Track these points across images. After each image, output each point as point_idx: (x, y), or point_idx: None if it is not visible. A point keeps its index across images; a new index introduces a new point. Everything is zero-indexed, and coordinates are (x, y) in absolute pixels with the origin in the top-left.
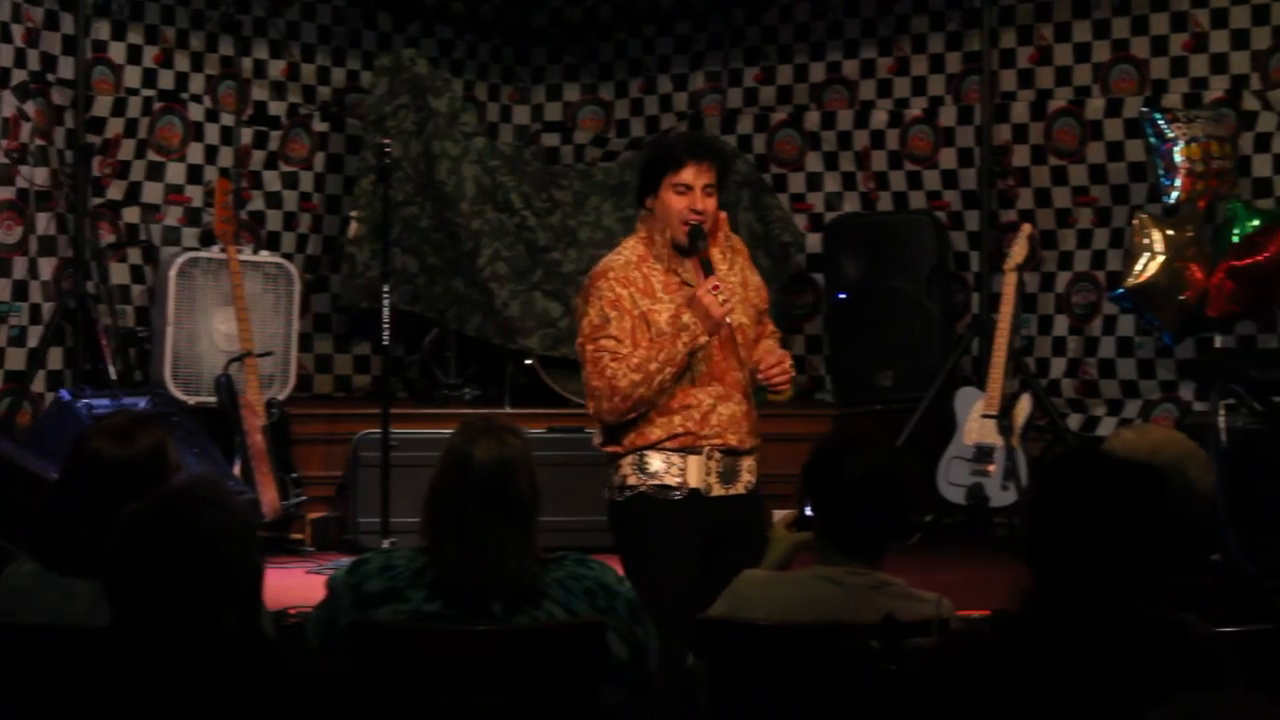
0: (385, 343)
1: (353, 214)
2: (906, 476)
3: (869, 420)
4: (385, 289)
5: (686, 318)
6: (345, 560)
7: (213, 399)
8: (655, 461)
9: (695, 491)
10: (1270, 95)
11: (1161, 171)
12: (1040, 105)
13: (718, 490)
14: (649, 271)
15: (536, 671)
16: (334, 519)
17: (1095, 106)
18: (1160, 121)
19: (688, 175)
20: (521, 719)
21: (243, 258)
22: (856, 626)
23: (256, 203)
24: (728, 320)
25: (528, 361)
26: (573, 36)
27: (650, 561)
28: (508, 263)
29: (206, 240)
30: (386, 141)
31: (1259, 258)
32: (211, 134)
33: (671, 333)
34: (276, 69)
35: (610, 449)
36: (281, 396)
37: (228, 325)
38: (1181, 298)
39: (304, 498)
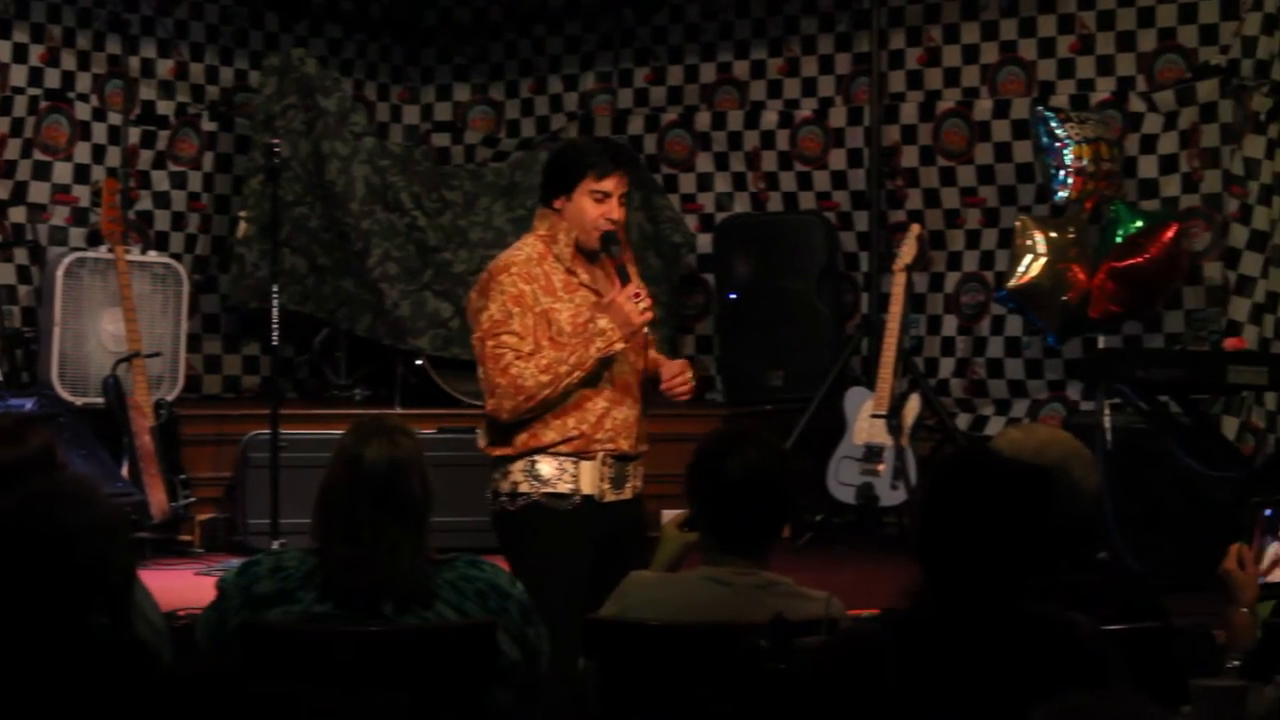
0: (274, 343)
1: (242, 214)
2: (789, 475)
3: (759, 420)
4: (274, 289)
5: (603, 323)
6: (234, 561)
7: (100, 400)
8: (547, 467)
9: (589, 498)
10: (1156, 97)
11: (1053, 170)
12: (929, 106)
13: (610, 496)
14: (550, 269)
15: (427, 672)
16: (223, 520)
17: (983, 108)
18: (1053, 122)
19: (610, 184)
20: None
21: (130, 258)
22: (745, 626)
23: (144, 203)
24: (645, 330)
25: (418, 362)
26: (463, 36)
27: (545, 571)
28: (398, 263)
29: (94, 240)
30: (275, 141)
31: (1139, 259)
32: (99, 133)
33: (584, 337)
34: (164, 68)
35: (500, 451)
36: (170, 397)
37: (115, 326)
38: (1064, 298)
39: (193, 499)
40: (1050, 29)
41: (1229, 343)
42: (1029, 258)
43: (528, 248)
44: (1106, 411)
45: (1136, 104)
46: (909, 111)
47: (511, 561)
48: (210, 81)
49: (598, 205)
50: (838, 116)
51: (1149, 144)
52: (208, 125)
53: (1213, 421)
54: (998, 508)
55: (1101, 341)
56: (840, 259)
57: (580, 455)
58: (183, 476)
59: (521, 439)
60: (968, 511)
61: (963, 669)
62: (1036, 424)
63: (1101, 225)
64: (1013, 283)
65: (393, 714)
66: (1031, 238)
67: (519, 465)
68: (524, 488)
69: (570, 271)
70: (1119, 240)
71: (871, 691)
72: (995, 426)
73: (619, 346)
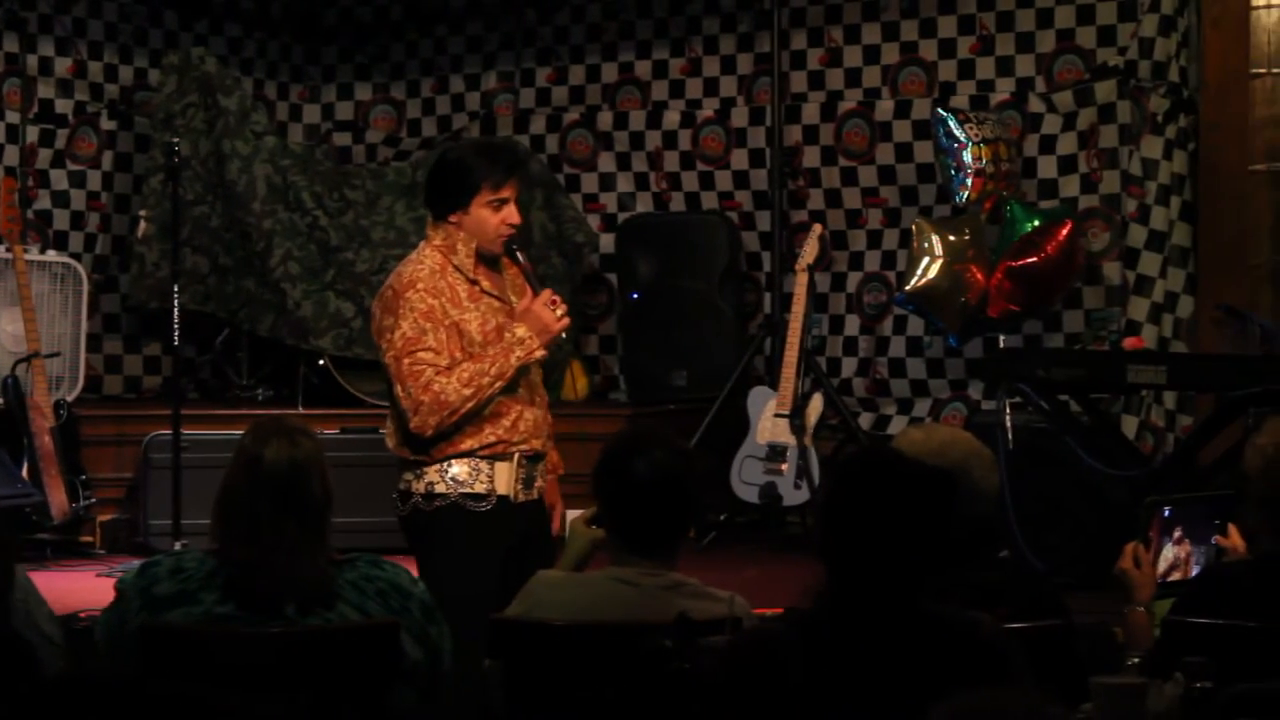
0: (176, 343)
1: (142, 213)
2: (695, 475)
3: (662, 420)
4: (175, 289)
5: (521, 331)
6: (136, 563)
7: None
8: (462, 469)
9: (503, 499)
10: (1055, 98)
11: (953, 171)
12: (831, 106)
13: (521, 497)
14: (452, 280)
15: (328, 673)
16: (124, 521)
17: (885, 108)
18: (952, 122)
19: (507, 191)
20: None
21: (29, 257)
22: (651, 626)
23: (43, 202)
24: (563, 335)
25: (320, 362)
26: (363, 36)
27: (462, 572)
28: (300, 262)
29: None
30: (175, 140)
31: (1035, 258)
32: None
33: (503, 346)
34: (62, 66)
35: (415, 455)
36: (70, 398)
37: (14, 326)
38: (963, 299)
39: (93, 500)
40: (951, 30)
41: (1128, 342)
42: (926, 260)
43: (428, 260)
44: (1007, 411)
45: (1036, 104)
46: (811, 112)
47: (424, 563)
48: (109, 80)
49: (496, 213)
50: (740, 116)
51: (1048, 144)
52: (107, 124)
53: (1113, 421)
54: (899, 507)
55: (1002, 341)
56: (742, 259)
57: (496, 457)
58: (83, 477)
59: (439, 446)
60: (869, 511)
61: (865, 668)
62: (937, 424)
63: (1001, 225)
64: (911, 286)
65: (293, 715)
66: (929, 240)
67: (434, 467)
68: (440, 489)
69: (472, 281)
70: (1015, 240)
71: (774, 691)
72: (898, 426)
73: (539, 355)
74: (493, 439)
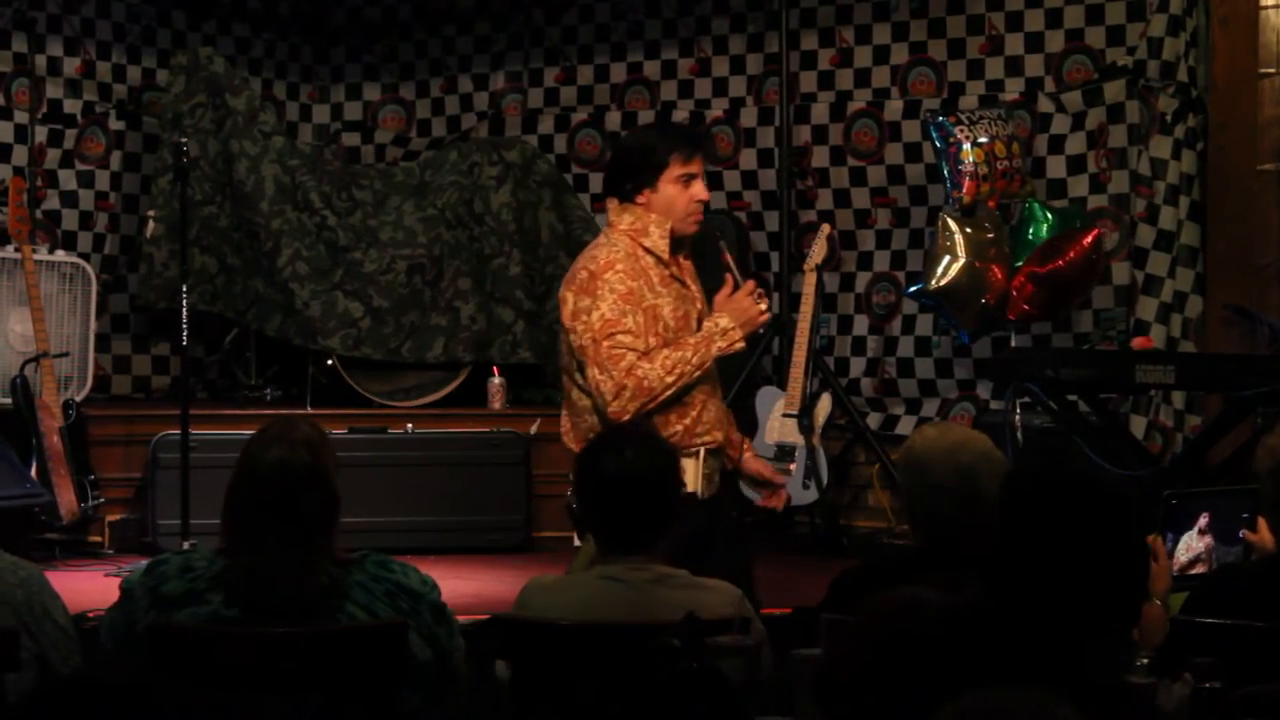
0: (184, 343)
1: (150, 213)
2: (671, 472)
3: None
4: (184, 289)
5: (724, 321)
6: (144, 562)
7: (8, 400)
8: None
9: (690, 496)
10: (1063, 98)
11: (946, 175)
12: (840, 107)
13: (705, 493)
14: (646, 264)
15: (336, 674)
16: (133, 521)
17: (894, 108)
18: (946, 126)
19: (695, 165)
20: None
21: (38, 257)
22: (648, 622)
23: (52, 202)
24: (761, 329)
25: (329, 362)
26: (372, 35)
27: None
28: (308, 262)
29: (0, 239)
30: (184, 140)
31: (1059, 263)
32: (4, 132)
33: (704, 334)
34: (71, 66)
35: None
36: (79, 398)
37: (23, 325)
38: (982, 300)
39: (102, 500)
40: (959, 30)
41: (1137, 342)
42: (948, 258)
43: (621, 245)
44: (1016, 411)
45: (1045, 104)
46: (819, 112)
47: None
48: (117, 80)
49: (686, 189)
50: (748, 116)
51: (1057, 144)
52: (115, 124)
53: (1121, 421)
54: (1097, 553)
55: (1013, 340)
56: (751, 259)
57: (682, 453)
58: (92, 477)
59: None
60: (1066, 545)
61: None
62: (952, 424)
63: (1014, 223)
64: (934, 284)
65: (303, 716)
66: (953, 238)
67: None
68: None
69: (665, 264)
70: (1030, 238)
71: (936, 660)
72: (906, 426)
73: (740, 346)
74: (679, 430)
